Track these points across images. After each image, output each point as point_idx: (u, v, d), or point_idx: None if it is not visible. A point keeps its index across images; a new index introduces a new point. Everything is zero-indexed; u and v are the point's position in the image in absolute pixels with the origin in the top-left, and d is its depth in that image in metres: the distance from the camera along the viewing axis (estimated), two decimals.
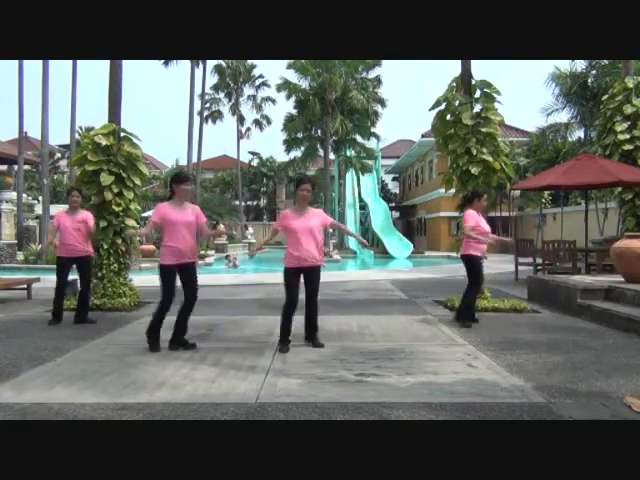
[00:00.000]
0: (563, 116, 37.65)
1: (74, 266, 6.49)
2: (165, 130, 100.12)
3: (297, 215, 4.93)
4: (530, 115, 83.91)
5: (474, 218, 6.11)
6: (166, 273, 4.86)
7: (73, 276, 6.83)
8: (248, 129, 34.97)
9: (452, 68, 10.44)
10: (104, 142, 7.56)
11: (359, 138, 26.26)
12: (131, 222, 7.80)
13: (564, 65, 22.45)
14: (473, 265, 6.19)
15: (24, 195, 21.77)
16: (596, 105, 17.96)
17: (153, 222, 4.93)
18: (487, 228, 6.21)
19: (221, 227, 25.85)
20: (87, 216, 6.48)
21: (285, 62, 23.74)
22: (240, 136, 34.28)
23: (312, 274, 4.95)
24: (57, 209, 23.72)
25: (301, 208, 4.97)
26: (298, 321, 5.05)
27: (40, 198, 20.36)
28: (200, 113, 27.69)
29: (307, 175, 5.13)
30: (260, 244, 5.03)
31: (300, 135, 25.39)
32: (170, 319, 4.95)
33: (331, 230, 23.84)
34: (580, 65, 22.05)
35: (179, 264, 4.87)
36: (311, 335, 5.10)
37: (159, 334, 4.95)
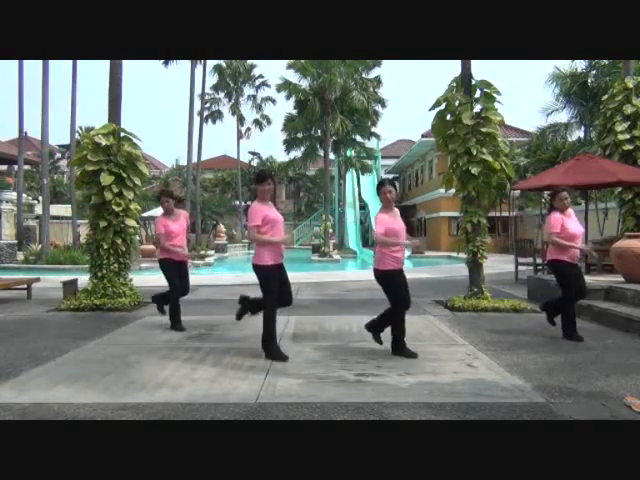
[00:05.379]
0: (563, 116, 37.62)
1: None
2: (165, 130, 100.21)
3: (389, 217, 4.82)
4: (530, 115, 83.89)
5: (559, 222, 5.33)
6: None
7: (71, 276, 6.81)
8: (248, 129, 34.94)
9: (452, 68, 10.44)
10: (104, 142, 7.56)
11: (359, 138, 26.21)
12: (131, 222, 7.80)
13: (564, 65, 22.47)
14: (559, 273, 5.43)
15: (24, 195, 21.78)
16: (596, 105, 17.95)
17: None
18: (576, 231, 5.41)
19: (221, 227, 25.87)
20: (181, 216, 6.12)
21: (285, 62, 23.71)
22: (240, 136, 34.27)
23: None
24: (57, 209, 23.78)
25: (388, 210, 4.87)
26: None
27: (40, 198, 20.35)
28: (200, 113, 27.66)
29: (387, 177, 5.09)
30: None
31: (300, 135, 25.33)
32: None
33: (331, 230, 23.85)
34: (580, 65, 22.08)
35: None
36: (394, 346, 4.73)
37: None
